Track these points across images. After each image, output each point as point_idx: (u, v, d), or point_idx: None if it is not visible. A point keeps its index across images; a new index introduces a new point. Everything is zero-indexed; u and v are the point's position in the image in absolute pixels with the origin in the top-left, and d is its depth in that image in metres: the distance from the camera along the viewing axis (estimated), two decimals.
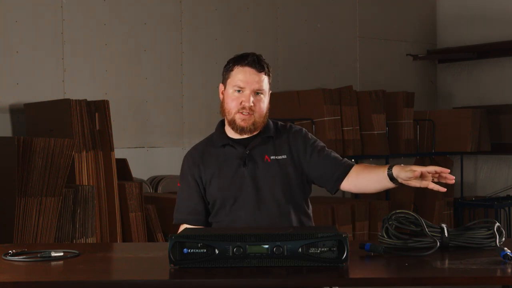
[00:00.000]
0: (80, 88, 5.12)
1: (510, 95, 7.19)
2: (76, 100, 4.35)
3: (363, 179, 2.56)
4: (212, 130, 2.81)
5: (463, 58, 7.50)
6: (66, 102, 4.34)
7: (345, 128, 5.97)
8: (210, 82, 5.75)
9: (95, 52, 5.26)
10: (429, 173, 2.30)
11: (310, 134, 2.72)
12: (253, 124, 2.59)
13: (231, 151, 2.63)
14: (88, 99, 4.46)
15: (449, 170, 2.33)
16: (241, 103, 2.58)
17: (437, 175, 2.31)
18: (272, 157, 2.61)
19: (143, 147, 5.51)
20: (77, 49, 5.16)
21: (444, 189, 2.33)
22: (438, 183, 2.33)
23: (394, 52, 7.45)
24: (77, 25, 5.16)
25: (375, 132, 6.10)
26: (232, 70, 2.62)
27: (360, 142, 6.08)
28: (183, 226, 2.62)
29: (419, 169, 2.29)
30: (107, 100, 4.47)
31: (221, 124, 2.73)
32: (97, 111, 4.45)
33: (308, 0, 6.68)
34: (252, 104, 2.57)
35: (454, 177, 2.31)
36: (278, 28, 6.44)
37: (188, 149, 2.78)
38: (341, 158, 2.64)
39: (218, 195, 2.60)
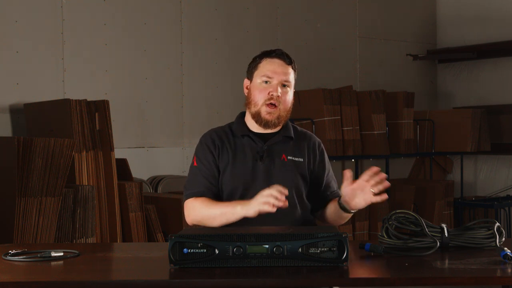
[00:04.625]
0: (80, 88, 5.12)
1: (510, 95, 7.19)
2: (76, 100, 4.35)
3: (328, 215, 2.73)
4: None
5: (463, 58, 7.50)
6: (66, 102, 4.34)
7: (345, 128, 5.96)
8: (210, 82, 5.73)
9: (95, 52, 5.26)
10: (366, 181, 2.39)
11: (325, 152, 2.78)
12: (278, 118, 2.62)
13: (250, 143, 2.64)
14: (88, 99, 4.46)
15: (379, 169, 2.40)
16: (268, 93, 2.60)
17: (373, 182, 2.38)
18: (289, 157, 2.64)
19: (143, 147, 5.50)
20: (77, 49, 5.16)
21: (385, 196, 2.40)
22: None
23: (394, 52, 7.45)
24: (77, 25, 5.16)
25: (375, 132, 6.09)
26: (260, 62, 2.65)
27: (360, 142, 6.08)
28: (193, 201, 2.55)
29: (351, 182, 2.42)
30: (107, 100, 4.47)
31: (241, 115, 2.73)
32: (97, 111, 4.45)
33: (308, 0, 6.68)
34: (279, 95, 2.59)
35: (385, 177, 2.39)
36: (278, 28, 6.44)
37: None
38: (334, 189, 2.71)
39: (229, 184, 2.59)
